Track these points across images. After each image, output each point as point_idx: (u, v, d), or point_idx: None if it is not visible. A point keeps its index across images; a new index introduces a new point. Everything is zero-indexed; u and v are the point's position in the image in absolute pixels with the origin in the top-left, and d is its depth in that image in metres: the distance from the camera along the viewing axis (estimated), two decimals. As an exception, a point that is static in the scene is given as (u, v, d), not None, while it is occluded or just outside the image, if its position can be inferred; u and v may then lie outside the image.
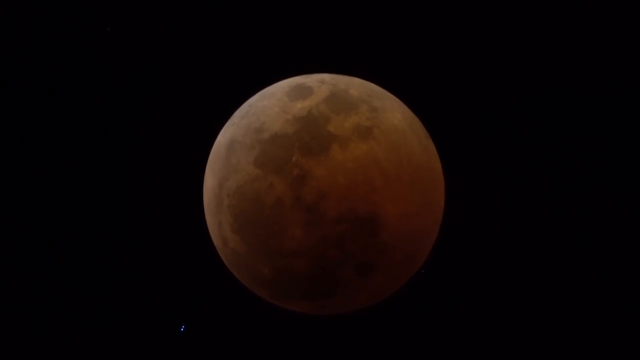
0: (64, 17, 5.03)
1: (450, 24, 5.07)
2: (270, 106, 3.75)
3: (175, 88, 5.16)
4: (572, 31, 4.95)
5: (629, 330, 4.85)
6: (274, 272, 3.65)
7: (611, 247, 4.95)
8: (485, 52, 5.06)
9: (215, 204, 3.82)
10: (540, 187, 5.02)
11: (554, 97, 4.98)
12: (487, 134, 5.04)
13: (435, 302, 5.05)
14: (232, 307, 4.98)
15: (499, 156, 5.03)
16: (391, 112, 3.78)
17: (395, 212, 3.51)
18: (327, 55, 4.87)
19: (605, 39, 4.93)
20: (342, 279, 3.58)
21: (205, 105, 4.98)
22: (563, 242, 5.00)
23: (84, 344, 5.07)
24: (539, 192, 5.02)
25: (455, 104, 5.06)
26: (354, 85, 3.86)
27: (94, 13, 5.08)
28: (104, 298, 5.10)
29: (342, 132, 3.51)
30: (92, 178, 5.13)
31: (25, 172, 5.03)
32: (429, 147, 3.92)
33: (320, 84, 3.81)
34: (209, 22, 5.14)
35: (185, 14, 5.13)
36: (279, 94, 3.84)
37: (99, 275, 5.11)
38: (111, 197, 5.12)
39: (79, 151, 5.10)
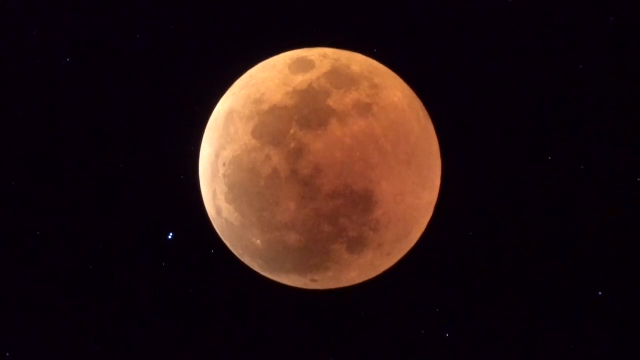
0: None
1: (457, 8, 5.02)
2: (271, 78, 3.72)
3: (177, 55, 5.14)
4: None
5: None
6: (266, 244, 3.65)
7: (607, 231, 4.98)
8: (492, 39, 5.02)
9: (210, 172, 3.81)
10: (536, 173, 5.02)
11: (554, 78, 4.96)
12: (487, 117, 5.03)
13: (426, 284, 5.08)
14: (223, 278, 5.02)
15: (498, 142, 5.02)
16: (392, 89, 3.76)
17: (390, 191, 3.51)
18: (330, 30, 4.84)
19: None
20: (333, 254, 3.60)
21: (206, 74, 4.95)
22: (559, 224, 5.01)
23: (78, 314, 5.12)
24: (535, 179, 5.03)
25: (456, 84, 5.04)
26: (356, 61, 3.83)
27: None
28: (94, 264, 5.13)
29: (342, 108, 3.48)
30: (90, 145, 5.12)
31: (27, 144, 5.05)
32: (427, 127, 3.91)
33: (322, 58, 3.78)
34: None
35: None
36: (280, 66, 3.81)
37: (91, 242, 5.13)
38: (108, 162, 5.13)
39: (77, 122, 5.10)
